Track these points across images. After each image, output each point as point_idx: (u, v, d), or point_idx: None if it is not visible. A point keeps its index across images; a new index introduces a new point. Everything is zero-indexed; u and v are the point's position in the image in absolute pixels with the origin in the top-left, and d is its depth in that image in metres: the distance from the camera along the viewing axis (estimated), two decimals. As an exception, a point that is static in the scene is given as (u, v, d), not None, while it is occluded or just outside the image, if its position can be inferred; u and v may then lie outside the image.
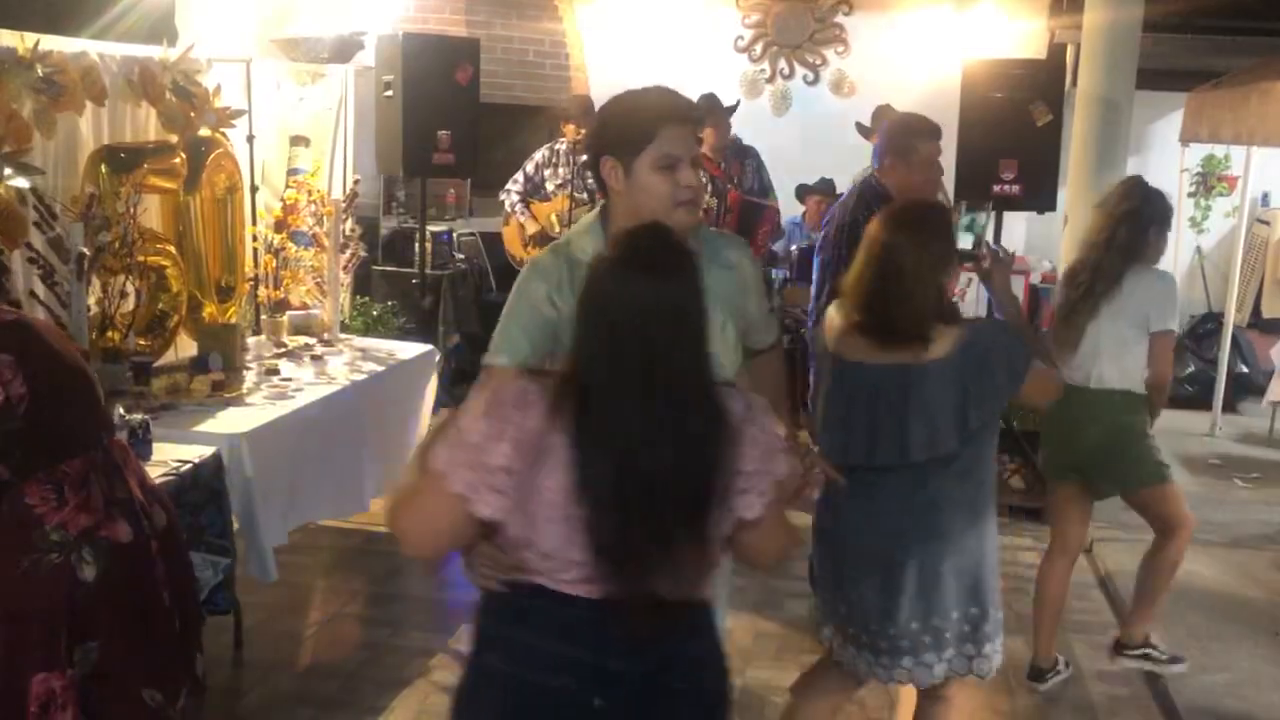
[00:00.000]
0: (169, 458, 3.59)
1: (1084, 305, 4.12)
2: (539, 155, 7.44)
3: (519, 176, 7.44)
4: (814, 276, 4.60)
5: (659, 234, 2.01)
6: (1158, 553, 4.31)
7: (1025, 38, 8.88)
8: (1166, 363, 4.11)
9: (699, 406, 1.89)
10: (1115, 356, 4.09)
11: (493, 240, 8.04)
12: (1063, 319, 4.21)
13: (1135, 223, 4.10)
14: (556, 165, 7.35)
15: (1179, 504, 4.24)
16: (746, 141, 7.27)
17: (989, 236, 6.50)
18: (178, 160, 4.78)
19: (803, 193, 8.06)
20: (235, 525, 3.91)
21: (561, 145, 7.35)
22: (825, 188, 7.94)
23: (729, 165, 7.02)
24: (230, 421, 4.12)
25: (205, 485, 3.66)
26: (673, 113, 2.53)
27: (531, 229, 7.37)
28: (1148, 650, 4.42)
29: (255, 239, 5.59)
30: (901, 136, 4.43)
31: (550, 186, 7.37)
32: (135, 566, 2.71)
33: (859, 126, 7.35)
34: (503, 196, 7.50)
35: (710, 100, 7.07)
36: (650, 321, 1.86)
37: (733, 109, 7.14)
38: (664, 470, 1.83)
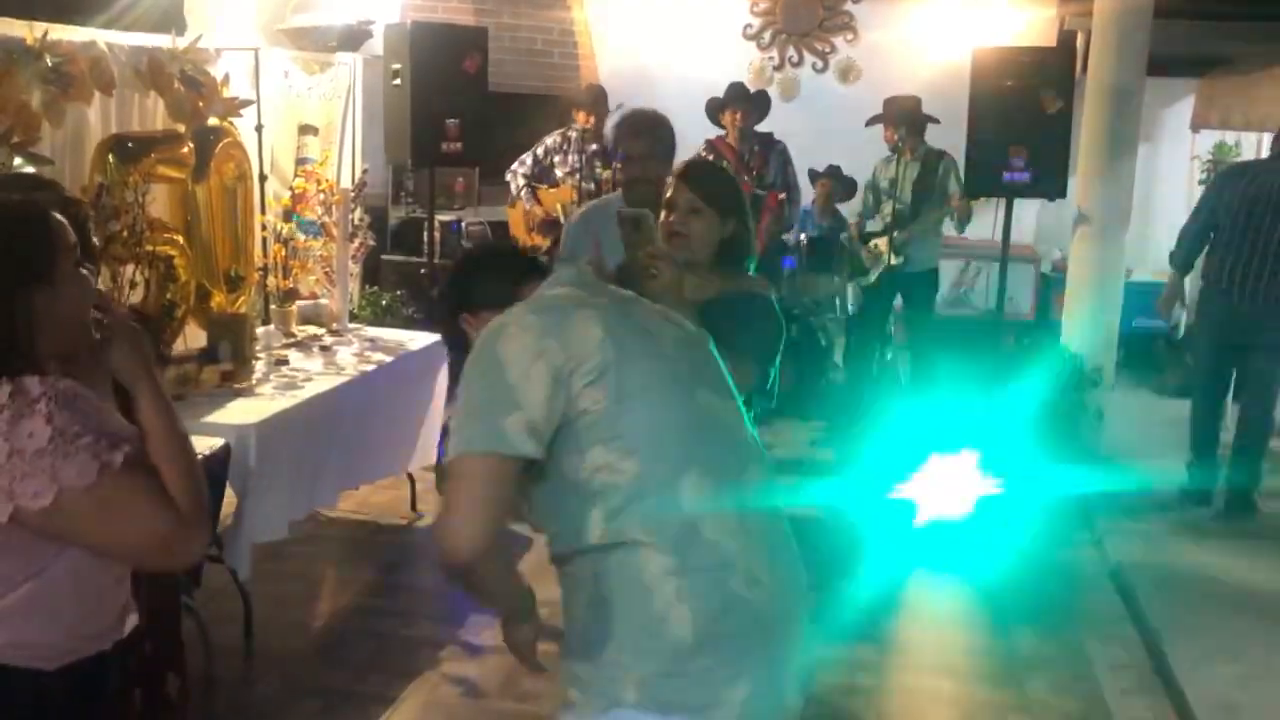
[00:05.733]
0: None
1: None
2: (550, 140, 7.43)
3: (527, 158, 7.42)
4: None
5: None
6: None
7: (1035, 25, 8.85)
8: None
9: None
10: None
11: (501, 229, 8.04)
12: None
13: None
14: (567, 152, 7.34)
15: None
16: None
17: (999, 224, 6.48)
18: (185, 150, 4.77)
19: (812, 179, 8.04)
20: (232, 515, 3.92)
21: (574, 132, 7.34)
22: (832, 171, 7.93)
23: (751, 156, 7.02)
24: (240, 412, 4.12)
25: (213, 475, 3.66)
26: None
27: (538, 214, 7.36)
28: None
29: (264, 228, 5.59)
30: None
31: (559, 173, 7.36)
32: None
33: (871, 120, 7.34)
34: (508, 177, 7.48)
35: (735, 89, 7.10)
36: None
37: (758, 97, 7.14)
38: None
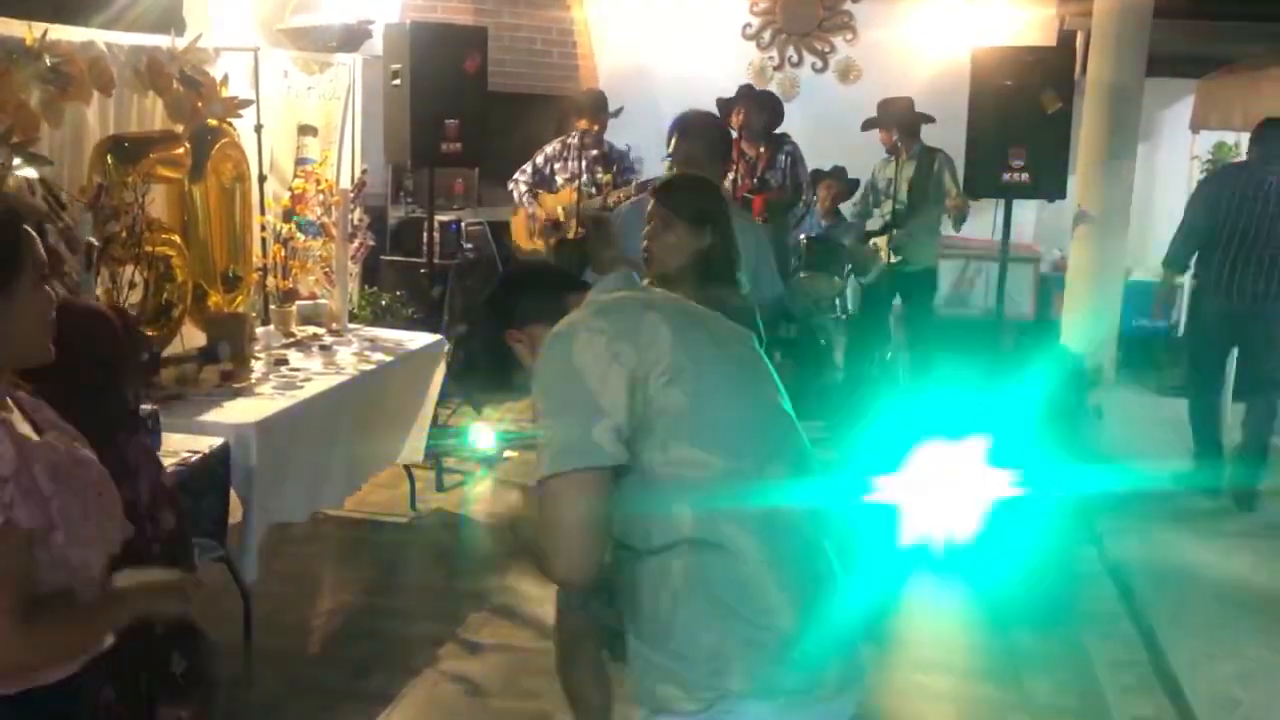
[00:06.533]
0: (179, 448, 3.60)
1: None
2: (549, 148, 7.43)
3: (528, 168, 7.43)
4: None
5: None
6: None
7: (1035, 25, 8.86)
8: None
9: None
10: None
11: (501, 230, 8.04)
12: None
13: None
14: (566, 159, 7.34)
15: None
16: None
17: (998, 223, 6.49)
18: (182, 150, 4.77)
19: (815, 179, 8.04)
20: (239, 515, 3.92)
21: (573, 139, 7.34)
22: (837, 173, 7.94)
23: (756, 156, 7.05)
24: (239, 411, 4.12)
25: (211, 474, 3.67)
26: None
27: (541, 218, 7.37)
28: None
29: (264, 229, 5.59)
30: None
31: (559, 180, 7.36)
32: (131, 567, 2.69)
33: (866, 124, 7.34)
34: (510, 186, 7.49)
35: (742, 89, 7.15)
36: None
37: (764, 98, 7.17)
38: None
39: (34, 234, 1.89)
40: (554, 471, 1.92)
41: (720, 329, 2.21)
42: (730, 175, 6.65)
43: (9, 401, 1.88)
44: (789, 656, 2.00)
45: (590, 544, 1.95)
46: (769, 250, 4.20)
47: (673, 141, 4.23)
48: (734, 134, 7.10)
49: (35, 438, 1.87)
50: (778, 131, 7.28)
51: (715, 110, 7.05)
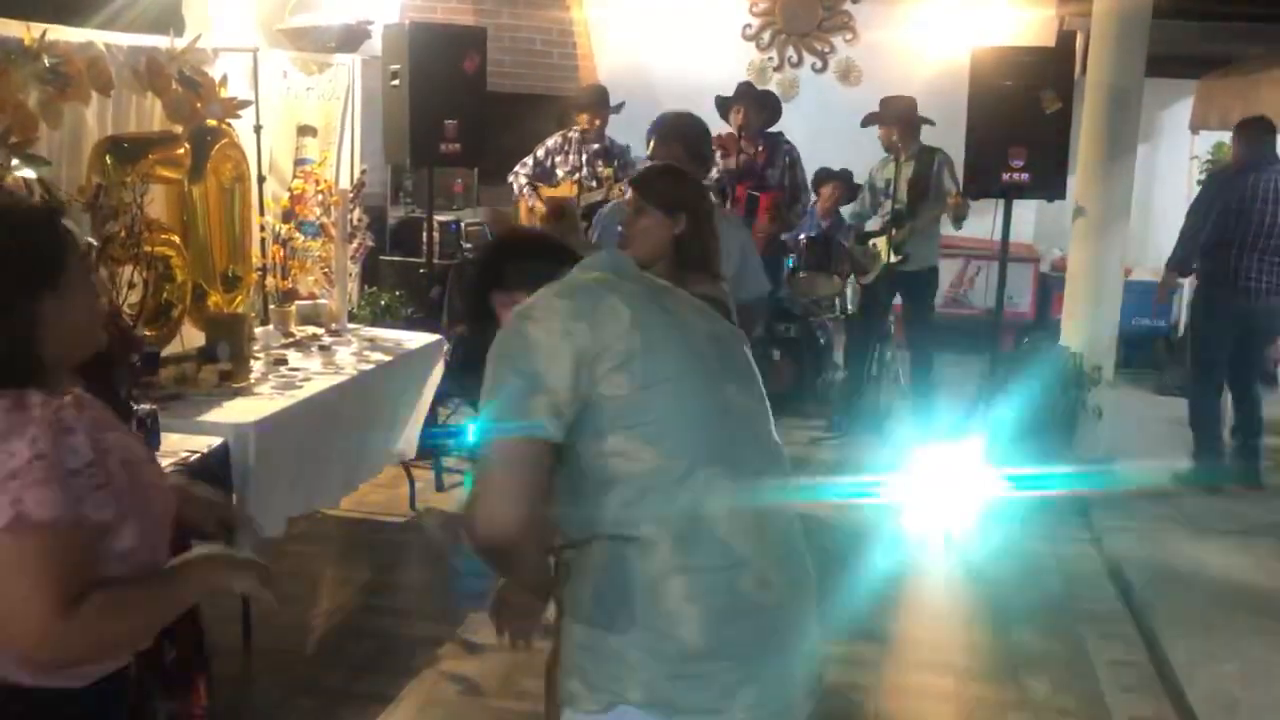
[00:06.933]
0: (178, 448, 3.59)
1: None
2: (551, 141, 7.44)
3: (528, 160, 7.44)
4: None
5: None
6: None
7: (1034, 25, 8.87)
8: None
9: None
10: None
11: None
12: None
13: None
14: (568, 153, 7.35)
15: None
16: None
17: (998, 223, 6.48)
18: (181, 151, 4.77)
19: (819, 181, 8.03)
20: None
21: (574, 133, 7.34)
22: (843, 175, 7.93)
23: (754, 155, 7.04)
24: (238, 411, 4.11)
25: (211, 474, 3.66)
26: None
27: (540, 210, 7.37)
28: None
29: (263, 229, 5.58)
30: None
31: (560, 173, 7.37)
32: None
33: (866, 119, 7.33)
34: (511, 179, 7.49)
35: (741, 87, 7.15)
36: None
37: (765, 97, 7.16)
38: None
39: (72, 226, 1.91)
40: (490, 438, 1.92)
41: (697, 323, 2.14)
42: (714, 173, 6.66)
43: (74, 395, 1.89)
44: (690, 672, 1.92)
45: (515, 509, 1.89)
46: (754, 248, 4.22)
47: (651, 144, 4.23)
48: (734, 133, 7.11)
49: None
50: (773, 130, 7.28)
51: (715, 109, 7.06)
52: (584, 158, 7.15)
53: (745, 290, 3.81)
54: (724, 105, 7.13)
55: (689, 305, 2.19)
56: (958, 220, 7.03)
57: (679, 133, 4.16)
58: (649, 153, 4.26)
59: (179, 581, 1.89)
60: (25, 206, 2.13)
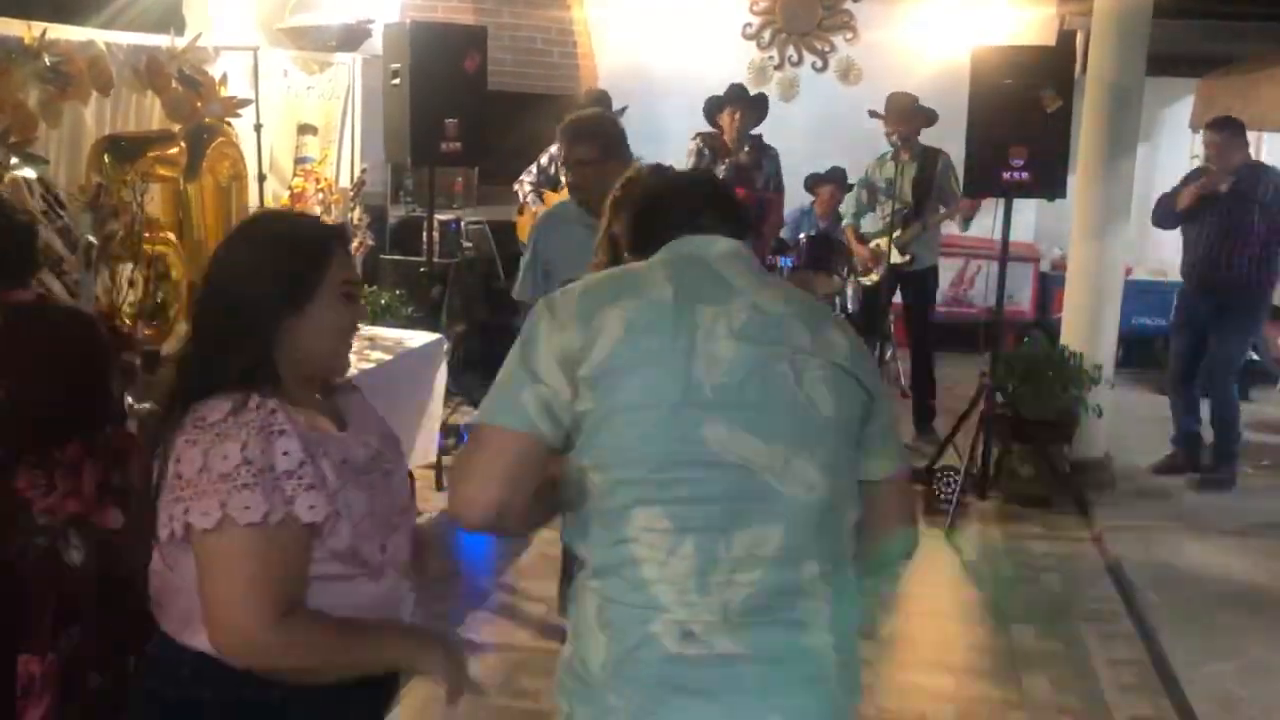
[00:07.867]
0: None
1: None
2: (554, 148, 7.41)
3: (532, 168, 7.43)
4: None
5: None
6: None
7: (1034, 24, 8.86)
8: None
9: None
10: None
11: (501, 229, 8.04)
12: None
13: None
14: None
15: None
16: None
17: (998, 222, 6.48)
18: (178, 149, 4.77)
19: (812, 183, 8.03)
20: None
21: None
22: (836, 176, 7.92)
23: (745, 156, 7.01)
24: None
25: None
26: None
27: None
28: None
29: (263, 228, 5.58)
30: None
31: (564, 179, 7.35)
32: (126, 553, 2.72)
33: (872, 113, 7.31)
34: (516, 187, 7.50)
35: (735, 89, 7.09)
36: None
37: (758, 100, 7.12)
38: None
39: (348, 250, 1.96)
40: (477, 422, 1.91)
41: (723, 349, 1.86)
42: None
43: (314, 400, 1.96)
44: (596, 700, 1.86)
45: (488, 496, 1.85)
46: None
47: (565, 148, 4.11)
48: (722, 133, 7.05)
49: (336, 432, 1.95)
50: (755, 132, 7.22)
51: (703, 111, 7.04)
52: None
53: None
54: (715, 107, 7.07)
55: (748, 319, 1.91)
56: (966, 221, 7.03)
57: (589, 132, 4.05)
58: (562, 156, 4.14)
59: (384, 645, 2.01)
60: (304, 222, 2.17)
